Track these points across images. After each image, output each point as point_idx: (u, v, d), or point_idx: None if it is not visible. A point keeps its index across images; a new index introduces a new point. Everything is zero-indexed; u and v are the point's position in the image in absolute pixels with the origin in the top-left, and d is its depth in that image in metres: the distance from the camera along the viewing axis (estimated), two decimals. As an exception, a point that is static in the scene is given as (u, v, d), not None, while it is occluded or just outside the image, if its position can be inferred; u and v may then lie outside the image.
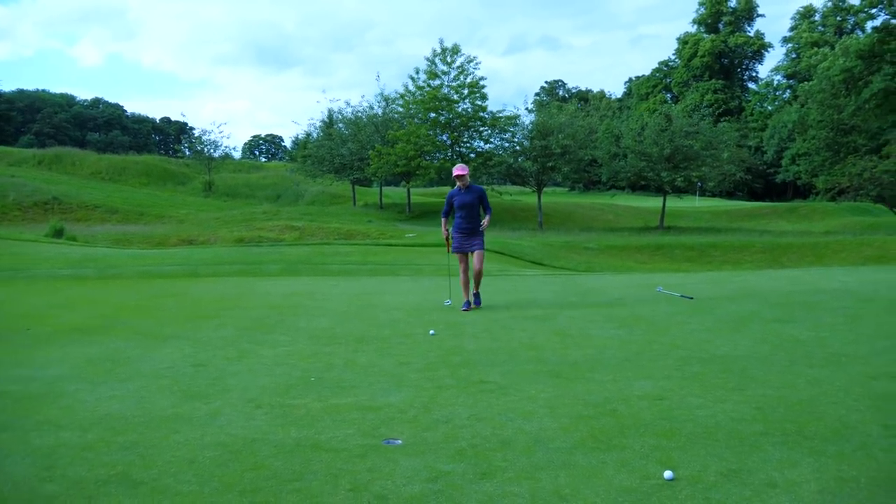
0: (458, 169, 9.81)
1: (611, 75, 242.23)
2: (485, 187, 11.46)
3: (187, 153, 65.22)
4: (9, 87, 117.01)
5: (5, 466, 3.97)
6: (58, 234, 29.71)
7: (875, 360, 6.18)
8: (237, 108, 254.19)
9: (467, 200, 9.82)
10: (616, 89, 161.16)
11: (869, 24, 75.73)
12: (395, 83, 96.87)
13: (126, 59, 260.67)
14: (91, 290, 12.81)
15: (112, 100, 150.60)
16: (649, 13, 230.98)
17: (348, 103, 62.37)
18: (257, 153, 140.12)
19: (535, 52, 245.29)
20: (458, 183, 9.93)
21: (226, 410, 5.00)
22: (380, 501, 3.47)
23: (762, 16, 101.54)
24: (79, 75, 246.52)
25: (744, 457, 3.93)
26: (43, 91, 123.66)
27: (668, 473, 3.68)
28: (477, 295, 9.98)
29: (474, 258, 9.86)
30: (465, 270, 9.88)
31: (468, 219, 9.85)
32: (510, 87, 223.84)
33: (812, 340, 7.12)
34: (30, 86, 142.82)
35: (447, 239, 10.35)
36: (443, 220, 10.39)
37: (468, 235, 9.90)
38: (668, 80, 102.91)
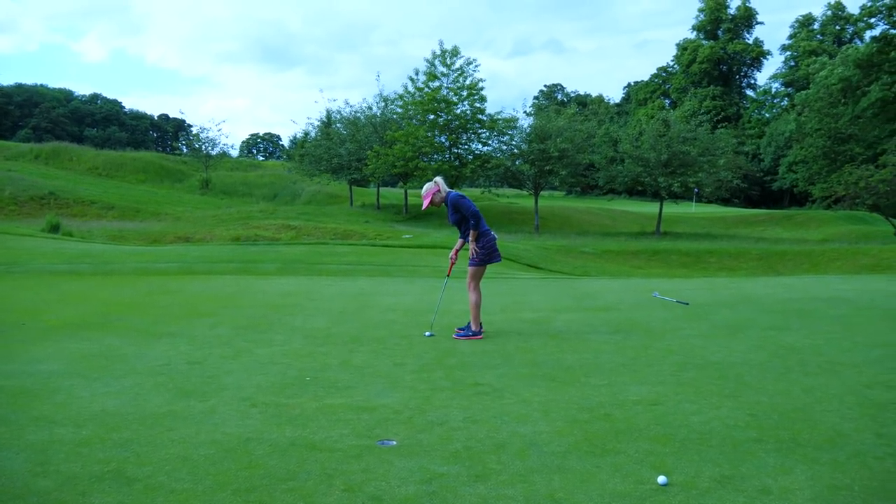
0: (423, 196, 7.98)
1: (611, 80, 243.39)
2: (460, 191, 7.54)
3: (185, 150, 65.13)
4: (10, 80, 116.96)
5: (-1, 461, 3.97)
6: (54, 229, 29.64)
7: (870, 369, 6.20)
8: (238, 106, 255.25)
9: (451, 219, 8.05)
10: (615, 94, 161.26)
11: (868, 34, 76.03)
12: (399, 84, 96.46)
13: (129, 54, 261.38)
14: (87, 286, 12.78)
15: (114, 96, 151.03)
16: (653, 18, 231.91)
17: (347, 102, 62.58)
18: (255, 151, 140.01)
19: (539, 54, 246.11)
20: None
21: (220, 409, 5.00)
22: (374, 502, 3.47)
23: (761, 23, 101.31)
24: (81, 70, 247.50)
25: (738, 463, 3.95)
26: (41, 86, 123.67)
27: (661, 479, 3.69)
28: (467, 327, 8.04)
29: None
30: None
31: (463, 237, 8.13)
32: (513, 89, 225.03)
33: (807, 348, 7.14)
34: (32, 80, 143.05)
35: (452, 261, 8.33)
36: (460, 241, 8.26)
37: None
38: (667, 86, 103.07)
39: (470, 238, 7.91)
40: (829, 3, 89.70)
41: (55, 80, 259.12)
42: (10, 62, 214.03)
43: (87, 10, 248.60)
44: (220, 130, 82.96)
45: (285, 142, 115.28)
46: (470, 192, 59.03)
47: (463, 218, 7.91)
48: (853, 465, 3.92)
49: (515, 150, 47.70)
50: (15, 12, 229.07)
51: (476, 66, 47.56)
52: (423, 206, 8.09)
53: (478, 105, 47.90)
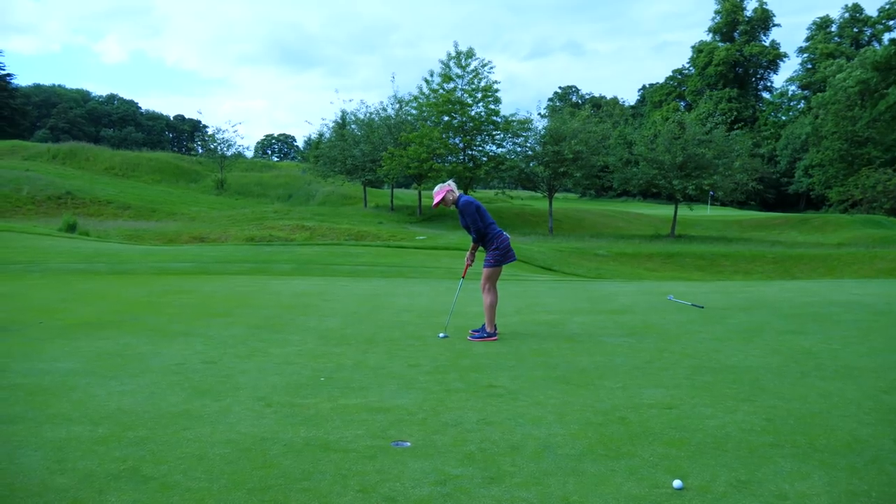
0: (435, 194, 7.98)
1: (627, 81, 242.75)
2: (473, 195, 7.19)
3: (200, 151, 65.44)
4: (31, 81, 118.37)
5: (17, 458, 4.00)
6: (71, 228, 29.85)
7: (887, 374, 6.14)
8: (255, 107, 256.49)
9: (461, 222, 8.06)
10: (630, 96, 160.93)
11: (886, 36, 75.57)
12: (416, 86, 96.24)
13: (149, 56, 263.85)
14: (103, 285, 12.87)
15: (132, 97, 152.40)
16: (671, 20, 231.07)
17: (363, 102, 62.80)
18: (269, 152, 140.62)
19: (558, 56, 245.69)
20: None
21: (235, 408, 5.02)
22: (388, 503, 3.47)
23: (778, 25, 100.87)
24: (102, 71, 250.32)
25: (754, 468, 3.92)
26: (59, 86, 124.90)
27: (677, 483, 3.67)
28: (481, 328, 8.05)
29: None
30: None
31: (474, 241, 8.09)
32: (530, 91, 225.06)
33: (824, 352, 7.08)
34: (54, 81, 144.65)
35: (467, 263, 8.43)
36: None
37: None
38: (682, 88, 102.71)
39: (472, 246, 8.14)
40: (846, 6, 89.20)
41: (76, 81, 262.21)
42: (34, 63, 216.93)
43: (109, 12, 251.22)
44: (235, 131, 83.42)
45: (300, 143, 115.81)
46: (484, 194, 59.10)
47: (469, 227, 7.92)
48: (871, 470, 3.89)
49: (530, 152, 47.63)
50: (39, 14, 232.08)
51: (491, 67, 47.68)
52: (434, 203, 8.00)
53: (492, 107, 47.96)
